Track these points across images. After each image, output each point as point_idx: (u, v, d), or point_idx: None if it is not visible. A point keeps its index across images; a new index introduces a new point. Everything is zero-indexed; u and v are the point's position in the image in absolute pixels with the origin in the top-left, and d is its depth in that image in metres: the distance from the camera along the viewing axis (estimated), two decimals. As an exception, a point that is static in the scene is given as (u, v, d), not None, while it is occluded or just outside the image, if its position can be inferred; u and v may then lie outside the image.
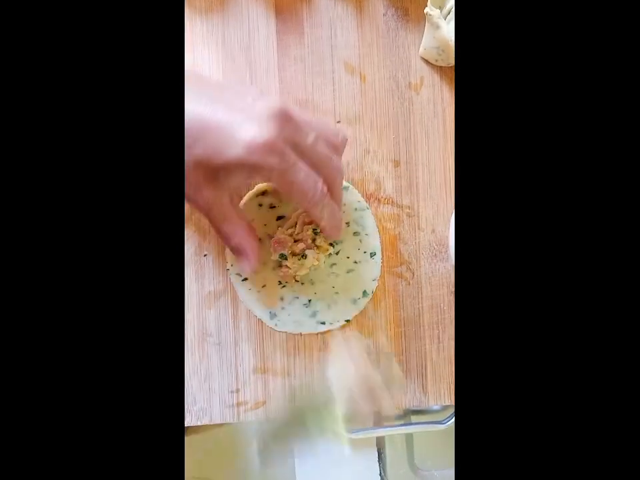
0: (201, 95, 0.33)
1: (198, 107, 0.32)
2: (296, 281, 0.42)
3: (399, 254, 0.43)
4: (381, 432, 0.44)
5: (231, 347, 0.42)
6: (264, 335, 0.42)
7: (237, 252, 0.38)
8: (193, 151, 0.32)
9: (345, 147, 0.38)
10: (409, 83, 0.44)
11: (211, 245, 0.42)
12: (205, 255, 0.42)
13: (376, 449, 0.46)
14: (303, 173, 0.34)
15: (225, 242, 0.38)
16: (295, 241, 0.41)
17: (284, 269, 0.41)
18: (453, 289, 0.43)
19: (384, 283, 0.43)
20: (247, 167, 0.32)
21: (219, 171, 0.33)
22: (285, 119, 0.33)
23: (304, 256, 0.41)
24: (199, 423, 0.42)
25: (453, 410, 0.44)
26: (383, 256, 0.43)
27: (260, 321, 0.42)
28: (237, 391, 0.42)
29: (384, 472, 0.46)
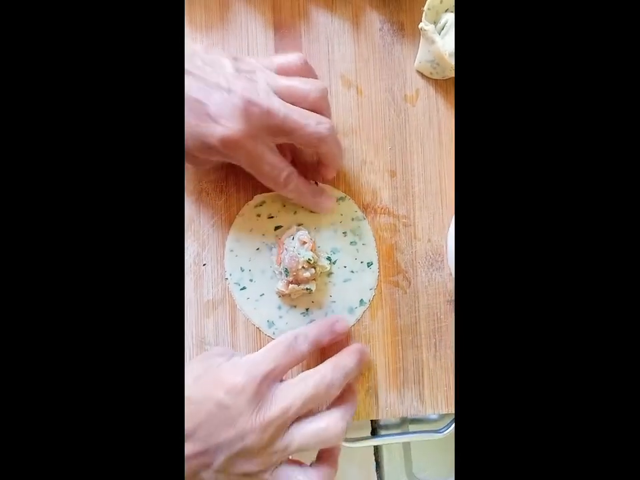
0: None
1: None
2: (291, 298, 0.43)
3: (395, 263, 0.44)
4: (378, 441, 0.44)
5: (229, 355, 0.42)
6: (262, 344, 0.42)
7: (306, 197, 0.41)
8: None
9: (325, 99, 0.39)
10: (405, 95, 0.45)
11: (209, 254, 0.43)
12: (204, 265, 0.43)
13: (374, 458, 0.46)
14: (267, 165, 0.38)
15: (284, 192, 0.40)
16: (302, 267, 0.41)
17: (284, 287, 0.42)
18: (450, 298, 0.44)
19: (381, 292, 0.43)
20: (221, 155, 0.37)
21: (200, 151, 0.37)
22: (251, 112, 0.35)
23: (307, 289, 0.41)
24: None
25: (450, 419, 0.45)
26: (379, 265, 0.44)
27: (258, 330, 0.43)
28: (235, 399, 0.42)
29: (382, 481, 0.46)
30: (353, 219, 0.44)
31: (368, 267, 0.43)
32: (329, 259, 0.43)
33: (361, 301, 0.43)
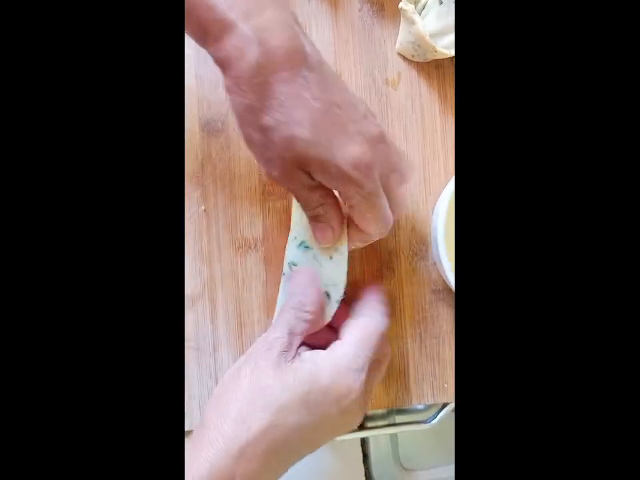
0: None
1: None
2: None
3: (378, 252, 0.43)
4: (365, 433, 0.44)
5: (209, 352, 0.41)
6: (243, 340, 0.42)
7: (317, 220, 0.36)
8: (309, 150, 0.31)
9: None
10: (386, 79, 0.44)
11: (187, 247, 0.42)
12: (182, 259, 0.42)
13: (361, 450, 0.46)
14: (384, 202, 0.33)
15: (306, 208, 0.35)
16: None
17: None
18: (434, 287, 0.43)
19: (364, 281, 0.42)
20: (345, 179, 0.32)
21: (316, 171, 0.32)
22: (381, 143, 0.33)
23: None
24: (180, 429, 0.41)
25: (437, 409, 0.44)
26: (363, 254, 0.43)
27: (239, 325, 0.42)
28: (218, 395, 0.41)
29: (369, 472, 0.46)
30: (334, 208, 0.42)
31: (351, 257, 0.42)
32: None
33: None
